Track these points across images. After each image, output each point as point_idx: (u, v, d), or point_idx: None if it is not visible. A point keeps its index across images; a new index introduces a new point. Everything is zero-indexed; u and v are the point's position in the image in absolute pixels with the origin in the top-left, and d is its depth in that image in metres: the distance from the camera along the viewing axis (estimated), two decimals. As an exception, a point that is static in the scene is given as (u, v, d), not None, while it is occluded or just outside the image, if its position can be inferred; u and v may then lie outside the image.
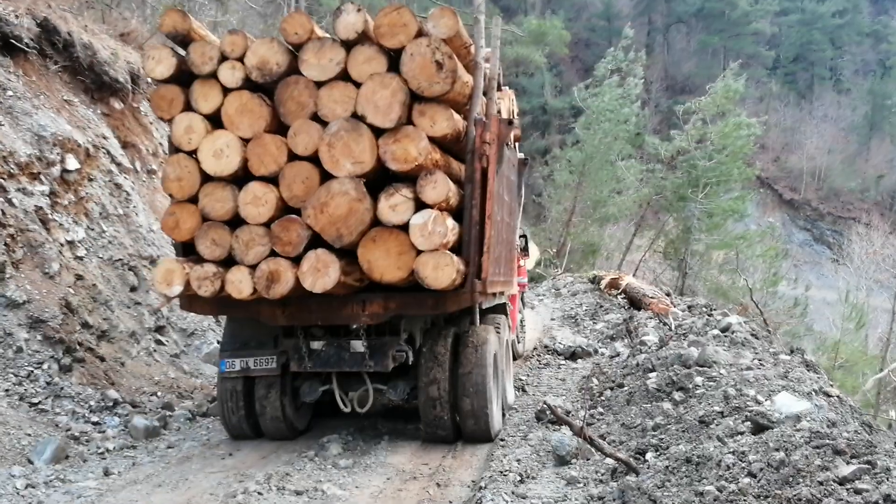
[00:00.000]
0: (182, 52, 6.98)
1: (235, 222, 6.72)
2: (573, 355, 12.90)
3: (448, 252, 6.40)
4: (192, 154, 6.82)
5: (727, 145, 28.52)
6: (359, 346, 7.19)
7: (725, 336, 8.43)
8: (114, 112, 12.57)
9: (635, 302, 16.89)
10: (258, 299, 6.69)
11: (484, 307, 8.20)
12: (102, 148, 11.56)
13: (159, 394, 9.80)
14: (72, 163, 10.54)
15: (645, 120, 39.74)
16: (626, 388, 8.01)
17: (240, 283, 6.60)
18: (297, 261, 6.46)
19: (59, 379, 8.55)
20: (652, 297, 15.91)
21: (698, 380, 6.67)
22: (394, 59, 6.38)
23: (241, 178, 6.71)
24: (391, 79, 6.24)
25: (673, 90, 65.81)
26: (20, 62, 10.84)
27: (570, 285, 24.51)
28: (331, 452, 7.41)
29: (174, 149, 7.01)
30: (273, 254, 6.53)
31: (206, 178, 6.80)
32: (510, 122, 7.52)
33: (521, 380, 10.74)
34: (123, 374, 9.76)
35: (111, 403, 8.77)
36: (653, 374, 7.57)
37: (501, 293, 9.07)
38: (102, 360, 9.57)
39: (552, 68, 55.86)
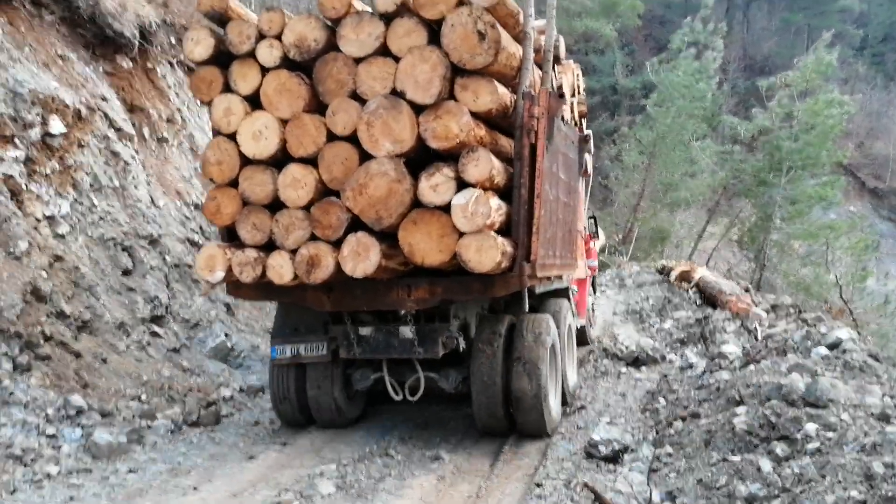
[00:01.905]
0: (220, 31, 6.73)
1: (276, 206, 6.54)
2: (636, 361, 11.07)
3: (492, 233, 5.98)
4: (232, 137, 6.65)
5: (816, 125, 25.67)
6: (407, 332, 6.96)
7: (836, 357, 6.52)
8: (119, 71, 11.08)
9: (710, 299, 14.90)
10: (302, 285, 6.54)
11: (538, 292, 7.91)
12: (99, 110, 10.08)
13: (143, 397, 8.35)
14: (56, 125, 9.09)
15: (721, 100, 36.90)
16: (703, 423, 6.19)
17: (281, 269, 6.45)
18: (337, 244, 6.24)
19: (11, 381, 7.12)
20: (730, 295, 13.91)
21: (810, 427, 4.81)
22: (434, 32, 5.99)
23: (281, 160, 6.51)
24: (431, 52, 5.90)
25: (751, 70, 62.00)
26: (4, 10, 9.43)
27: (636, 275, 22.39)
28: (319, 492, 5.85)
29: (214, 132, 6.84)
30: (313, 238, 6.35)
31: (245, 162, 6.64)
32: (561, 96, 7.04)
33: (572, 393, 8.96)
34: (103, 373, 8.33)
35: (74, 412, 7.32)
36: (741, 409, 5.72)
37: (559, 277, 8.56)
38: (78, 356, 8.15)
39: (624, 46, 52.74)
